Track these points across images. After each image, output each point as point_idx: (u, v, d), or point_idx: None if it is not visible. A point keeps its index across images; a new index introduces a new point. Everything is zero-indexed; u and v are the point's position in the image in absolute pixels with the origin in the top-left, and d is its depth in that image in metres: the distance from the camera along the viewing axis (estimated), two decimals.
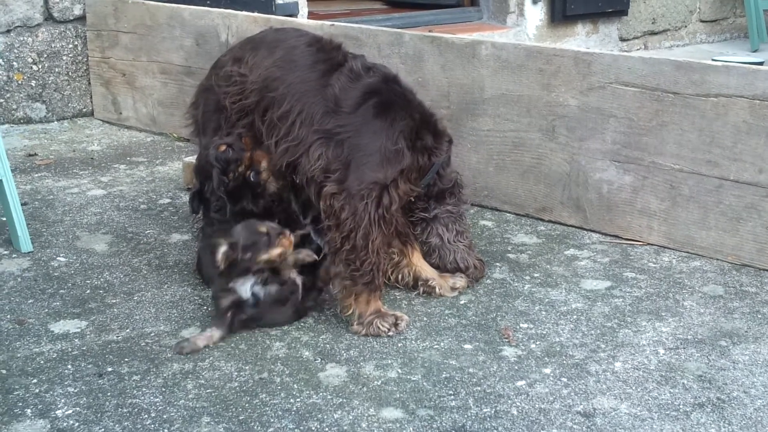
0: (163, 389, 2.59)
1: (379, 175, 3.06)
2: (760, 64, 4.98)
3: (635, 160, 3.65)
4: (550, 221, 3.94)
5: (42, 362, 2.74)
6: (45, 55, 5.53)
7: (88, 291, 3.24)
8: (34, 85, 5.52)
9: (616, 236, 3.75)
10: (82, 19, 5.62)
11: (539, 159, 3.92)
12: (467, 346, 2.86)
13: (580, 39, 7.85)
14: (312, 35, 3.41)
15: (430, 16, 7.48)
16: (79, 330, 2.95)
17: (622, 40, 8.20)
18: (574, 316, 3.06)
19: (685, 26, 8.78)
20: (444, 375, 2.68)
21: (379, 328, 2.91)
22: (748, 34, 8.53)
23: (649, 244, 3.67)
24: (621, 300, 3.19)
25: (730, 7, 9.07)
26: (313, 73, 3.23)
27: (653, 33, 8.49)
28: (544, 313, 3.09)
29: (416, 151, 3.14)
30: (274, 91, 3.21)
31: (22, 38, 5.42)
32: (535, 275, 3.40)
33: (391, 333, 2.92)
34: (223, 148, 3.22)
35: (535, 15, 7.54)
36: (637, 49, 8.28)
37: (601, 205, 3.78)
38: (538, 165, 3.93)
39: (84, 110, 5.76)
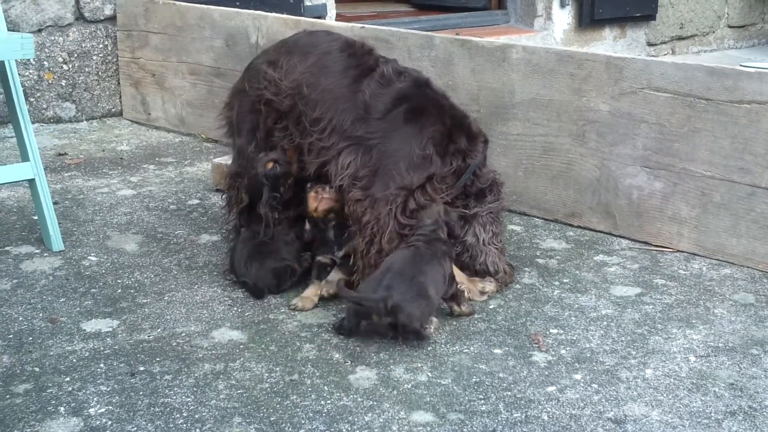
0: (195, 389, 2.60)
1: (406, 181, 3.06)
2: None
3: (666, 167, 3.64)
4: (579, 227, 3.93)
5: (74, 361, 2.76)
6: (75, 55, 5.57)
7: (119, 290, 3.26)
8: (64, 84, 5.56)
9: (646, 243, 3.73)
10: (112, 19, 5.66)
11: (569, 164, 3.91)
12: (497, 351, 2.85)
13: (607, 43, 7.82)
14: (344, 39, 3.41)
15: (457, 19, 7.46)
16: (110, 329, 2.97)
17: (650, 45, 8.17)
18: (605, 323, 3.05)
19: (713, 32, 8.74)
20: (474, 379, 2.68)
21: None
22: None
23: (679, 251, 3.65)
24: (651, 307, 3.18)
25: (759, 12, 9.01)
26: (344, 79, 3.23)
27: (681, 38, 8.44)
28: (573, 318, 3.09)
29: (448, 156, 3.13)
30: (307, 98, 3.22)
31: (53, 38, 5.47)
32: (565, 281, 3.39)
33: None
34: (271, 165, 3.24)
35: (563, 19, 7.52)
36: (665, 54, 8.24)
37: (630, 211, 3.77)
38: (567, 170, 3.92)
39: (113, 110, 5.80)
